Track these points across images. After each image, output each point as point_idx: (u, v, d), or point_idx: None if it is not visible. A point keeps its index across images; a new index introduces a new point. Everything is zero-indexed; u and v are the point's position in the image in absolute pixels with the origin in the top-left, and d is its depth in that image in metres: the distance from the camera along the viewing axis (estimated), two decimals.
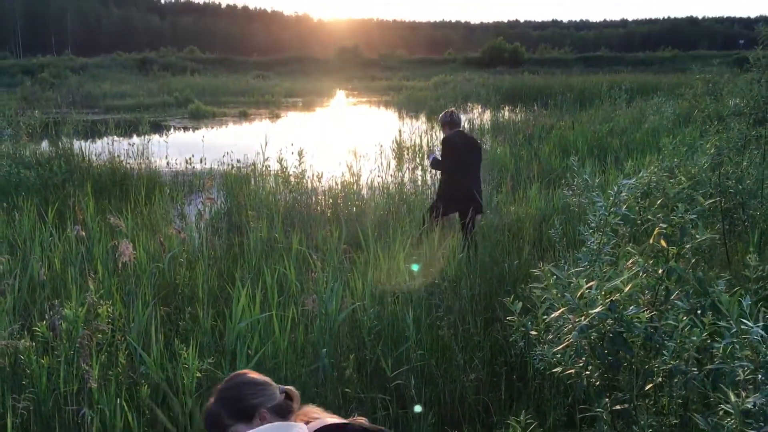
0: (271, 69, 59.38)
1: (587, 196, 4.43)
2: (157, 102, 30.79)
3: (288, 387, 2.00)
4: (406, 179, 10.75)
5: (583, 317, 2.24)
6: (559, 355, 2.58)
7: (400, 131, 14.87)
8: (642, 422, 2.27)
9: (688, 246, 2.48)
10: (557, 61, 65.47)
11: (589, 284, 2.33)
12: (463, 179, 6.83)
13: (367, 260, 4.63)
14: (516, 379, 4.34)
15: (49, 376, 3.46)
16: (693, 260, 2.49)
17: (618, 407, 2.36)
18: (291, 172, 8.97)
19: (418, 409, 2.65)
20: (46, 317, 3.70)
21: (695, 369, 2.31)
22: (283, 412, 1.93)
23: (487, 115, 20.76)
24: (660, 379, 2.35)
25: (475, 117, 20.82)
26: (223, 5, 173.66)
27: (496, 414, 4.14)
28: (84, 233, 4.89)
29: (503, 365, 4.41)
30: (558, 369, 2.61)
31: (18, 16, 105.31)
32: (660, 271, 2.43)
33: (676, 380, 2.27)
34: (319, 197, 8.93)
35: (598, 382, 2.41)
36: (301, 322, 4.09)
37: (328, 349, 3.79)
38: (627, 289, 2.30)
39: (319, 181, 9.28)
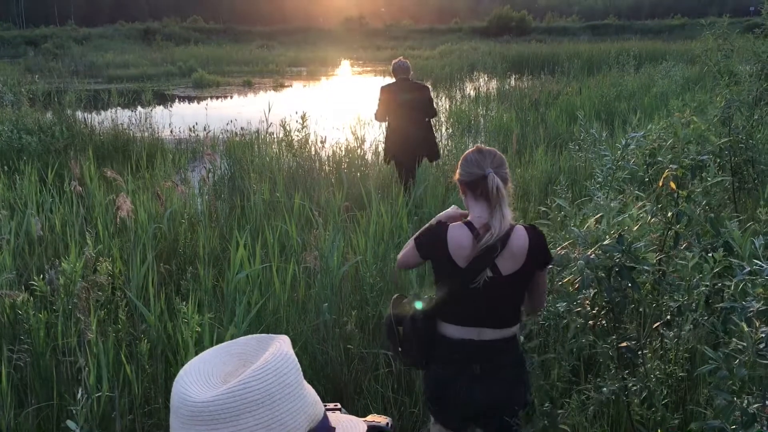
0: (276, 39, 58.86)
1: (594, 150, 4.35)
2: (160, 72, 30.57)
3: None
4: None
5: (589, 251, 2.17)
6: (564, 304, 2.52)
7: None
8: (648, 365, 2.21)
9: (698, 190, 2.40)
10: (565, 29, 64.64)
11: (596, 216, 2.26)
12: (402, 124, 7.07)
13: (369, 217, 4.56)
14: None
15: (47, 331, 3.43)
16: (703, 202, 2.41)
17: (624, 344, 2.30)
18: (294, 137, 8.89)
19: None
20: (45, 274, 3.66)
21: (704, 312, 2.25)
22: None
23: (494, 84, 20.54)
24: (668, 316, 2.29)
25: (481, 85, 20.62)
26: None
27: None
28: (81, 189, 4.83)
29: None
30: (560, 315, 2.55)
31: None
32: (669, 214, 2.36)
33: (683, 318, 2.21)
34: (323, 162, 8.85)
35: (603, 321, 2.35)
36: (302, 279, 4.04)
37: (329, 304, 3.74)
38: (635, 228, 2.23)
39: (323, 146, 9.20)
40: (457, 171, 2.49)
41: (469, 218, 2.45)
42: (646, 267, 2.26)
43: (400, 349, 2.55)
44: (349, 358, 3.85)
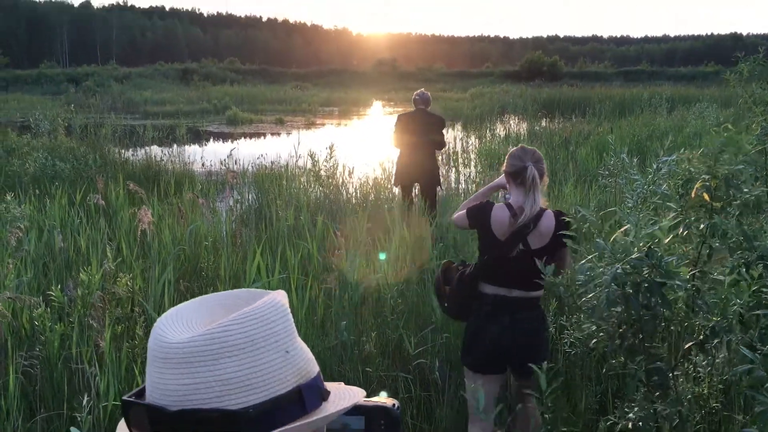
0: (309, 80, 59.90)
1: (625, 176, 4.23)
2: (195, 109, 31.18)
3: None
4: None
5: (616, 264, 2.06)
6: (590, 325, 2.40)
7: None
8: (680, 387, 2.07)
9: (736, 203, 2.28)
10: (597, 74, 64.69)
11: (623, 228, 2.15)
12: (412, 152, 7.35)
13: (391, 239, 4.49)
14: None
15: (62, 342, 3.39)
16: (737, 212, 2.29)
17: (654, 365, 2.16)
18: (322, 167, 8.91)
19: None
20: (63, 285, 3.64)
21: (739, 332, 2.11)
22: None
23: (525, 125, 20.49)
24: (701, 337, 2.15)
25: (512, 126, 20.58)
26: (264, 18, 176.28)
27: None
28: (104, 203, 4.84)
29: None
30: (587, 335, 2.43)
31: (65, 29, 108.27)
32: (702, 227, 2.24)
33: (718, 341, 2.07)
34: (350, 193, 8.85)
35: (631, 340, 2.22)
36: (322, 299, 3.96)
37: (348, 323, 3.65)
38: (666, 240, 2.12)
39: (350, 177, 9.21)
40: (504, 163, 3.07)
41: (510, 200, 3.01)
42: (678, 282, 2.14)
43: (446, 304, 3.18)
44: (367, 381, 3.74)
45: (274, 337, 0.77)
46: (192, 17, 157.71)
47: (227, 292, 0.86)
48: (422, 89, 7.75)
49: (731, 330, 2.07)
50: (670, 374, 2.30)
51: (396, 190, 8.22)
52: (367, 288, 4.03)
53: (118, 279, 3.66)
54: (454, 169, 12.15)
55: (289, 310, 0.82)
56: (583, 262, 2.29)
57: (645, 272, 2.19)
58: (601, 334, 2.53)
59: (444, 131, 7.67)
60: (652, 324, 2.26)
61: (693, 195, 2.31)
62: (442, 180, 8.90)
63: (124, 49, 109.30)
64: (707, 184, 2.27)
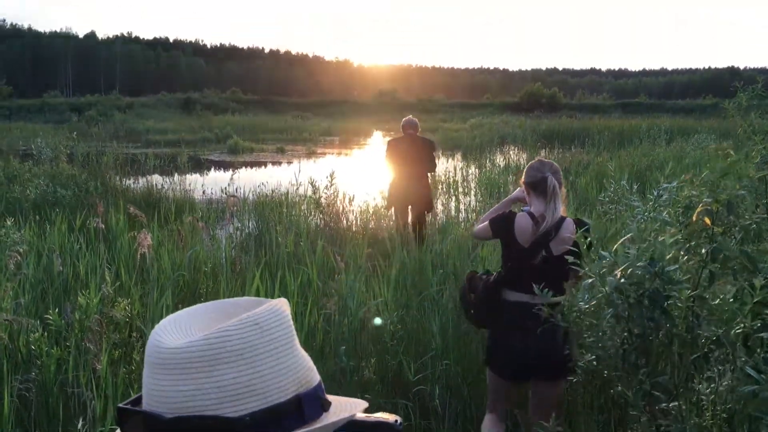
0: (311, 110, 60.30)
1: (625, 202, 4.23)
2: (197, 138, 31.34)
3: None
4: (439, 209, 10.61)
5: (618, 273, 2.05)
6: (591, 338, 2.37)
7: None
8: (684, 407, 2.04)
9: (737, 227, 2.27)
10: (595, 106, 65.03)
11: (625, 237, 2.14)
12: (404, 177, 7.53)
13: (392, 263, 4.47)
14: None
15: (59, 367, 3.35)
16: (739, 237, 2.27)
17: (657, 379, 2.13)
18: (322, 194, 8.91)
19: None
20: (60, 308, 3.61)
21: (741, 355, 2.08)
22: None
23: (524, 155, 20.57)
24: (705, 350, 2.12)
25: (511, 156, 20.64)
26: (266, 50, 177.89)
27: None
28: (104, 226, 4.82)
29: None
30: (589, 355, 2.40)
31: (69, 59, 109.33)
32: (703, 251, 2.22)
33: (722, 358, 2.04)
34: (350, 220, 8.85)
35: (633, 356, 2.19)
36: (320, 324, 3.92)
37: (347, 349, 3.61)
38: (668, 256, 2.10)
39: (350, 204, 9.21)
40: (523, 175, 3.27)
41: (531, 209, 3.18)
42: (683, 288, 2.13)
43: (472, 311, 3.30)
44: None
45: (274, 344, 0.76)
46: (195, 48, 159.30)
47: (227, 300, 0.84)
48: (410, 116, 8.03)
49: (735, 345, 2.05)
50: (673, 402, 2.27)
51: (391, 212, 8.32)
52: (366, 315, 4.00)
53: (117, 303, 3.64)
54: (454, 198, 12.15)
55: (290, 317, 0.81)
56: (582, 273, 2.29)
57: (647, 283, 2.18)
58: (602, 358, 2.51)
59: (434, 153, 7.89)
60: (655, 336, 2.24)
61: (694, 219, 2.30)
62: (442, 208, 8.91)
63: (127, 79, 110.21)
64: (709, 208, 2.27)
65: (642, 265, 2.04)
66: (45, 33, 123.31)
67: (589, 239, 2.68)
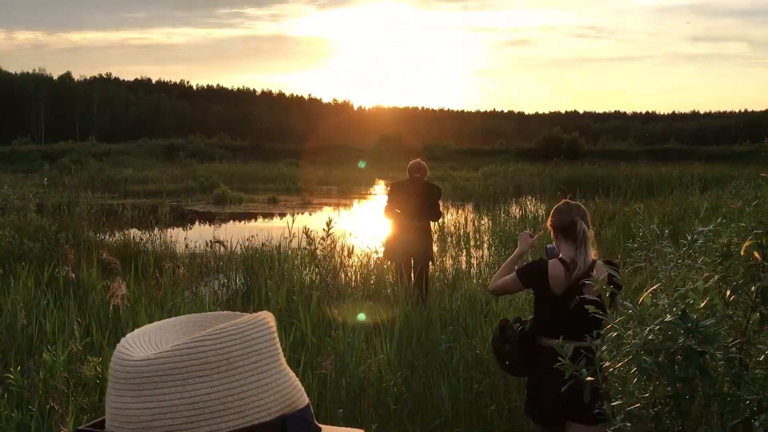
0: (306, 157, 60.72)
1: (655, 248, 4.21)
2: (180, 187, 31.57)
3: None
4: (447, 264, 10.60)
5: (646, 329, 2.02)
6: (619, 398, 2.34)
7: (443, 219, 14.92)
8: None
9: None
10: (621, 153, 65.27)
11: (653, 288, 2.12)
12: (405, 226, 7.59)
13: (394, 317, 4.44)
14: None
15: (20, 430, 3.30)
16: None
17: None
18: (318, 246, 8.91)
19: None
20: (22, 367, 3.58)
21: None
22: None
23: (543, 206, 20.62)
24: (747, 413, 2.08)
25: (529, 207, 20.69)
26: (258, 92, 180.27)
27: None
28: (74, 275, 4.82)
29: None
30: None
31: (42, 103, 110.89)
32: (753, 288, 2.20)
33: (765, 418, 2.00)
34: (349, 276, 8.81)
35: (667, 420, 2.15)
36: (315, 386, 3.88)
37: (345, 413, 3.55)
38: (703, 304, 2.08)
39: (349, 258, 9.20)
40: (550, 218, 3.55)
41: (561, 256, 3.44)
42: (718, 353, 2.10)
43: (507, 362, 3.52)
44: None
45: (255, 357, 0.73)
46: (180, 90, 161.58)
47: (206, 314, 0.83)
48: (418, 159, 8.05)
49: None
50: None
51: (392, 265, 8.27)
52: (367, 375, 3.95)
53: (87, 361, 3.60)
54: (464, 251, 12.16)
55: (275, 330, 0.79)
56: (607, 328, 2.26)
57: (680, 340, 2.15)
58: (633, 421, 2.46)
59: (440, 201, 8.00)
60: (690, 400, 2.20)
61: (742, 253, 2.28)
62: (451, 262, 8.90)
63: (105, 124, 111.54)
64: (759, 241, 2.23)
65: (671, 321, 2.01)
66: (16, 74, 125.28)
67: (613, 285, 2.77)
